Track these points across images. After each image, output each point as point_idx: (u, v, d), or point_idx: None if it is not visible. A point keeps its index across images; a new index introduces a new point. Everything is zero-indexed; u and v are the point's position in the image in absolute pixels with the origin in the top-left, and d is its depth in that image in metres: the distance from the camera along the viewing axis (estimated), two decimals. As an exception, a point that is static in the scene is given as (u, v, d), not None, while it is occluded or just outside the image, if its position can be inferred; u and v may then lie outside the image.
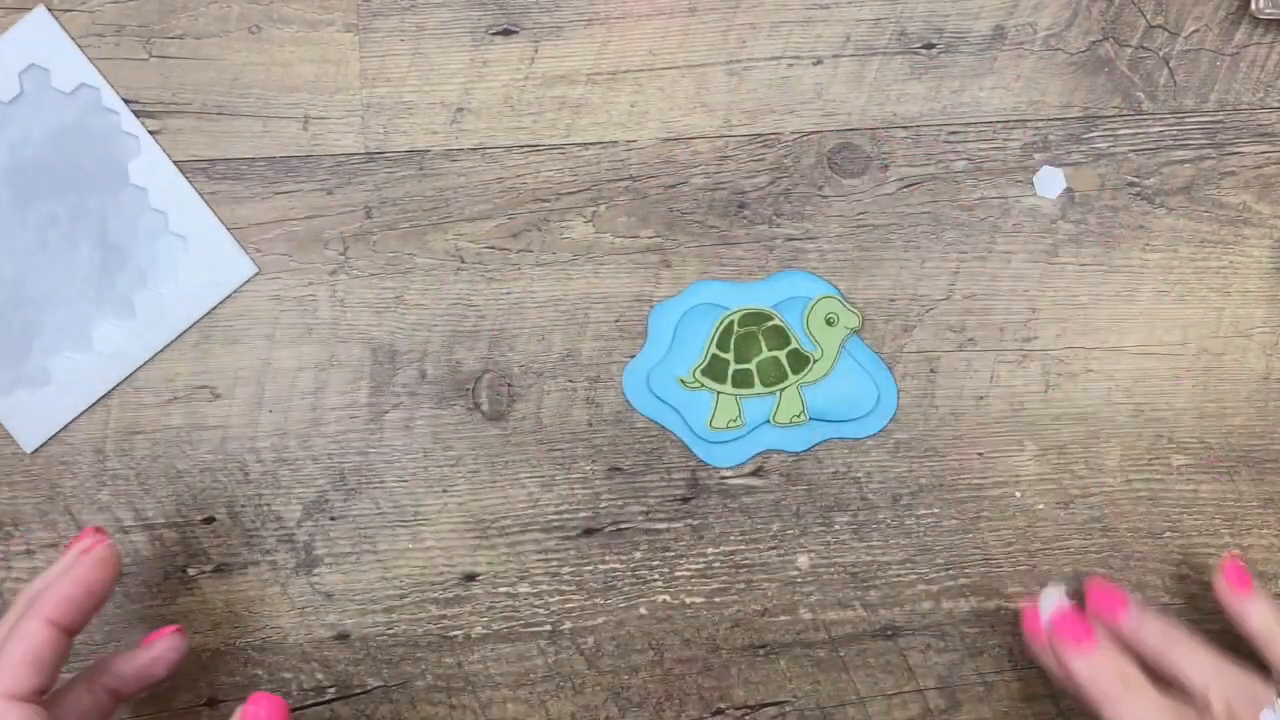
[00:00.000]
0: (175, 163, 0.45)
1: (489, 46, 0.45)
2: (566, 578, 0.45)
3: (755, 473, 0.45)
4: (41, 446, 0.45)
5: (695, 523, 0.45)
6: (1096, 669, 0.39)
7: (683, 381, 0.45)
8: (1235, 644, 0.40)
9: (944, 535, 0.45)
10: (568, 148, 0.45)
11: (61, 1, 0.45)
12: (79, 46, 0.45)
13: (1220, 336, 0.45)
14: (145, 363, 0.45)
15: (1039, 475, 0.45)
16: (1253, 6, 0.45)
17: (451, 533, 0.45)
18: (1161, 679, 0.39)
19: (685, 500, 0.45)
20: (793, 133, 0.45)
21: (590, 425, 0.45)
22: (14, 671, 0.36)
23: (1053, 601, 0.41)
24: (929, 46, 0.45)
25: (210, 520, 0.45)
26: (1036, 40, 0.45)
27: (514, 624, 0.45)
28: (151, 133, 0.45)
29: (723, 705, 0.45)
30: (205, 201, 0.45)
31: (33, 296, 0.45)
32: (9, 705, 0.35)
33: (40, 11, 0.45)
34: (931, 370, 0.45)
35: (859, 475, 0.45)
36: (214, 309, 0.45)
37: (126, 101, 0.45)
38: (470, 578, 0.45)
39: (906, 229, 0.45)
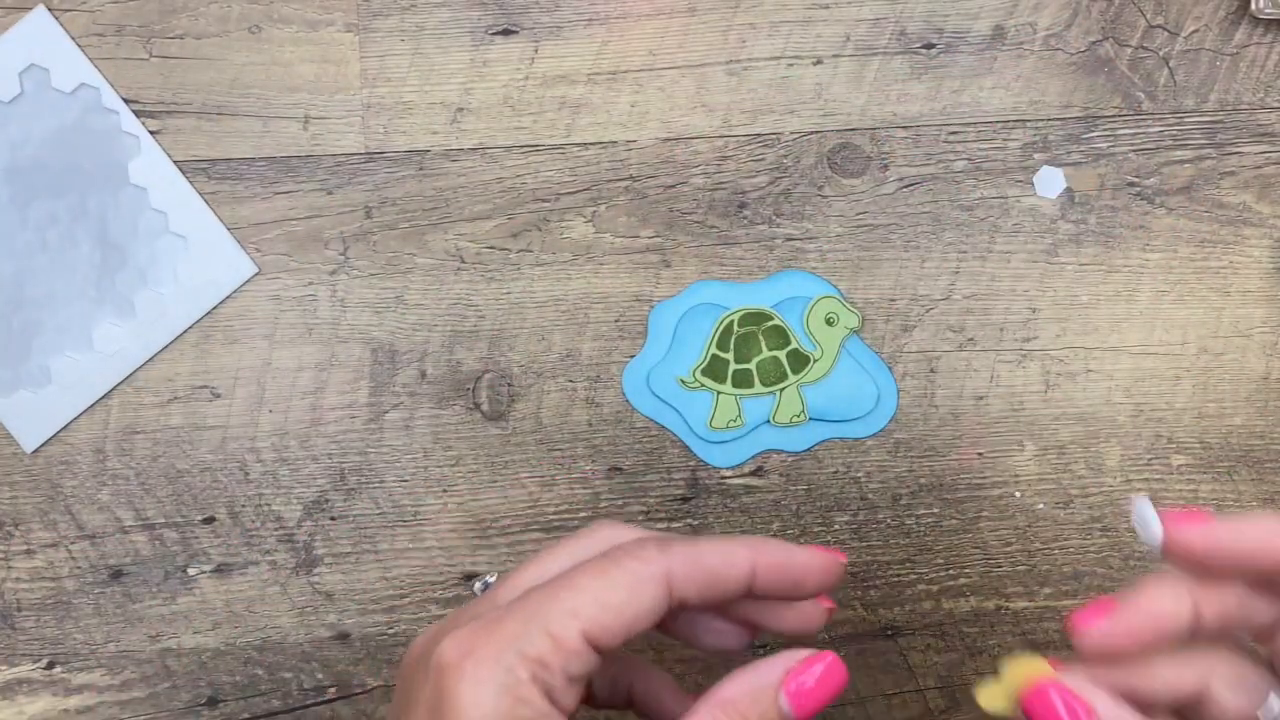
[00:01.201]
0: (175, 162, 0.45)
1: (489, 46, 0.45)
2: (566, 577, 0.45)
3: (755, 472, 0.45)
4: (42, 446, 0.45)
5: (695, 523, 0.45)
6: None
7: (683, 381, 0.45)
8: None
9: (944, 535, 0.45)
10: (568, 148, 0.45)
11: (62, 1, 0.45)
12: (79, 46, 0.45)
13: (1220, 336, 0.45)
14: (145, 362, 0.45)
15: (1039, 475, 0.45)
16: (1252, 6, 0.45)
17: (452, 532, 0.45)
18: None
19: (685, 500, 0.45)
20: (793, 133, 0.45)
21: (590, 425, 0.45)
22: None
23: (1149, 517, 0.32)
24: (929, 46, 0.45)
25: (210, 520, 0.45)
26: (1036, 40, 0.45)
27: (514, 624, 0.45)
28: (152, 133, 0.45)
29: (723, 705, 0.45)
30: (205, 201, 0.45)
31: (33, 296, 0.45)
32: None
33: (40, 11, 0.45)
34: (931, 370, 0.45)
35: (859, 475, 0.45)
36: (214, 309, 0.45)
37: (127, 101, 0.45)
38: (471, 577, 0.45)
39: (906, 229, 0.45)
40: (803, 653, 0.33)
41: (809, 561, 0.34)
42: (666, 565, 0.31)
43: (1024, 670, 0.31)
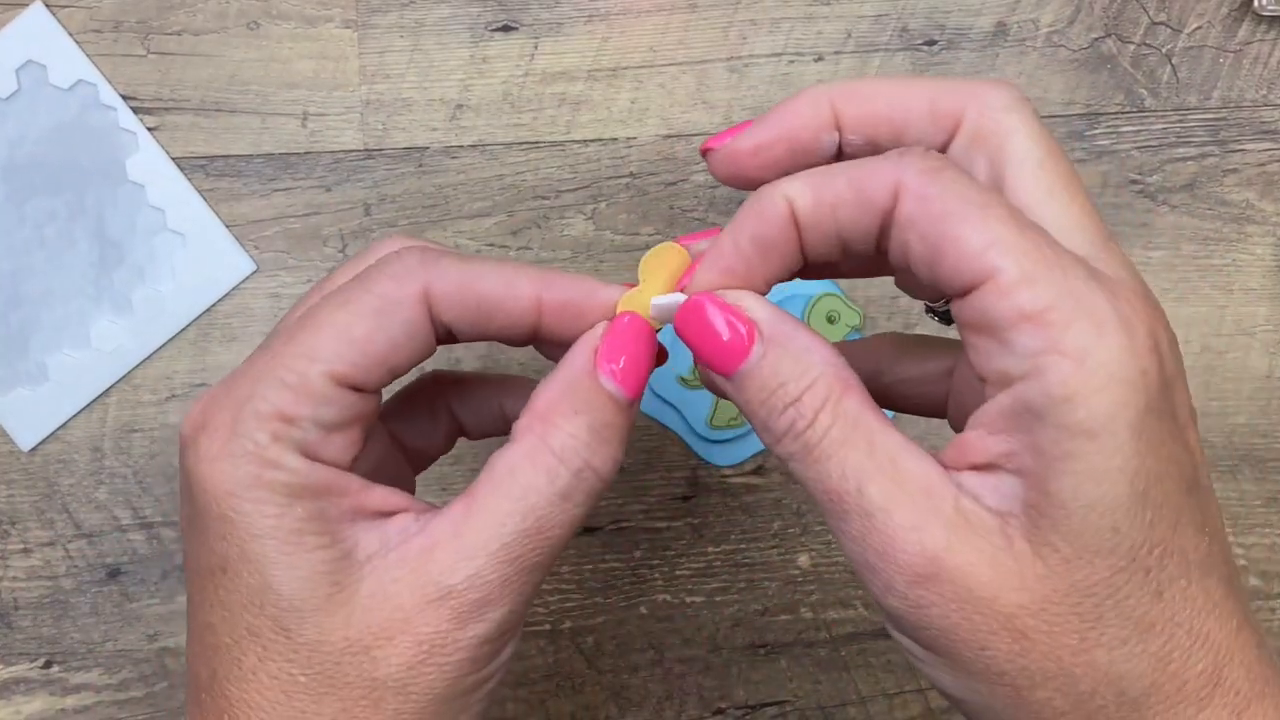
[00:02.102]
0: (173, 159, 0.45)
1: (488, 43, 0.45)
2: (566, 577, 0.45)
3: (756, 471, 0.45)
4: (39, 445, 0.45)
5: (696, 521, 0.45)
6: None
7: (683, 380, 0.45)
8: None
9: (945, 534, 0.45)
10: (568, 145, 0.45)
11: (59, -3, 0.45)
12: (77, 43, 0.45)
13: (1223, 335, 0.45)
14: (143, 360, 0.45)
15: (1041, 474, 0.45)
16: (1255, 3, 0.44)
17: (451, 531, 0.45)
18: None
19: (686, 499, 0.45)
20: (794, 130, 0.45)
21: (590, 423, 0.45)
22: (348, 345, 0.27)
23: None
24: (931, 43, 0.45)
25: (208, 519, 0.45)
26: (1039, 37, 0.45)
27: (513, 623, 0.45)
28: (149, 129, 0.45)
29: (723, 705, 0.45)
30: (203, 198, 0.45)
31: (30, 293, 0.45)
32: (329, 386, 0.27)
33: (38, 7, 0.45)
34: (933, 368, 0.45)
35: (860, 474, 0.45)
36: (212, 306, 0.45)
37: (124, 98, 0.45)
38: (470, 577, 0.45)
39: (908, 226, 0.45)
40: (599, 325, 0.29)
41: (609, 299, 0.29)
42: (423, 282, 0.27)
43: (662, 267, 0.28)
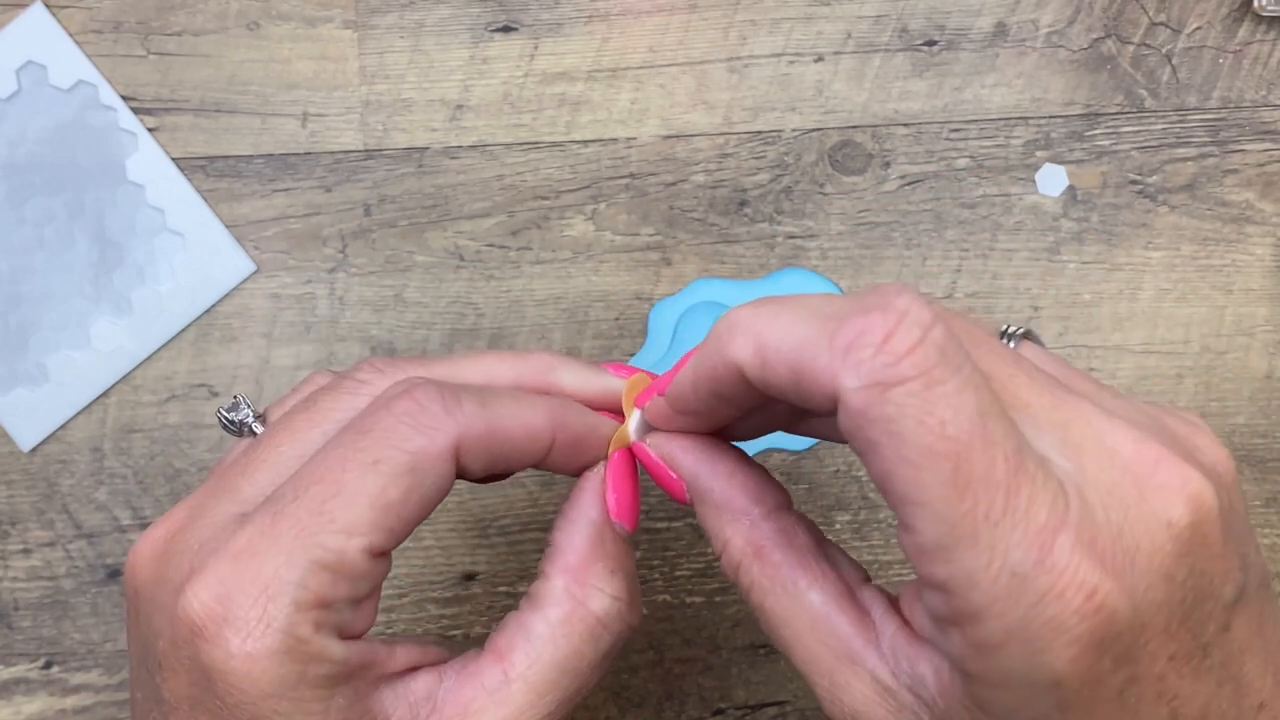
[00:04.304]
0: (173, 160, 0.45)
1: (488, 43, 0.45)
2: (566, 577, 0.45)
3: (756, 472, 0.45)
4: (39, 445, 0.45)
5: (695, 522, 0.45)
6: None
7: (683, 380, 0.45)
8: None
9: (945, 534, 0.45)
10: (567, 145, 0.45)
11: (59, -2, 0.45)
12: (76, 43, 0.45)
13: (1223, 335, 0.45)
14: (143, 361, 0.45)
15: (1041, 474, 0.45)
16: (1255, 4, 0.44)
17: (450, 532, 0.45)
18: None
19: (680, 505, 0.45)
20: (794, 130, 0.45)
21: (590, 424, 0.45)
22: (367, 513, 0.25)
23: None
24: (931, 44, 0.45)
25: (208, 519, 0.45)
26: (1038, 37, 0.45)
27: (513, 623, 0.45)
28: (149, 130, 0.45)
29: (723, 705, 0.45)
30: (203, 199, 0.45)
31: (29, 293, 0.45)
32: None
33: (38, 8, 0.45)
34: (933, 369, 0.45)
35: (860, 474, 0.45)
36: (212, 307, 0.45)
37: (124, 98, 0.45)
38: (470, 577, 0.45)
39: (908, 227, 0.45)
40: (596, 471, 0.29)
41: (605, 437, 0.29)
42: (454, 435, 0.25)
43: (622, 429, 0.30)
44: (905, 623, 0.25)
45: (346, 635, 0.25)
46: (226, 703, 0.24)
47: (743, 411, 0.27)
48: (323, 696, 0.24)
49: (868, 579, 0.28)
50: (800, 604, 0.26)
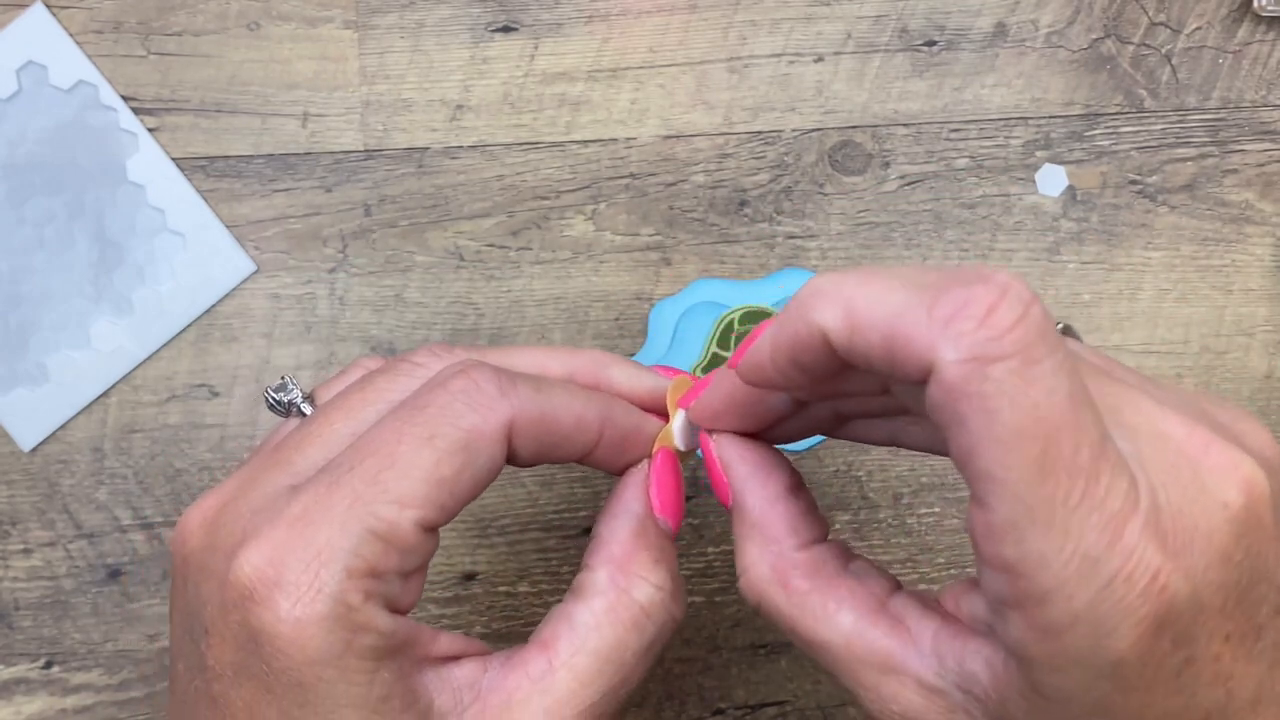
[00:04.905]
0: (173, 160, 0.45)
1: (489, 44, 0.45)
2: (567, 577, 0.45)
3: (756, 471, 0.45)
4: (39, 445, 0.45)
5: (696, 521, 0.45)
6: None
7: (683, 380, 0.45)
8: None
9: (945, 534, 0.45)
10: (568, 145, 0.45)
11: (59, -2, 0.45)
12: (77, 43, 0.45)
13: (1223, 335, 0.45)
14: (143, 361, 0.45)
15: (1041, 474, 0.45)
16: (1255, 4, 0.44)
17: (450, 531, 0.45)
18: None
19: (686, 499, 0.45)
20: (794, 130, 0.45)
21: (590, 424, 0.45)
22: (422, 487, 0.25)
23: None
24: (930, 44, 0.45)
25: (209, 519, 0.45)
26: (1038, 37, 0.45)
27: (514, 623, 0.45)
28: (149, 130, 0.45)
29: (723, 705, 0.45)
30: (203, 199, 0.45)
31: (29, 293, 0.45)
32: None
33: (38, 8, 0.45)
34: (933, 369, 0.45)
35: (860, 474, 0.45)
36: (212, 307, 0.45)
37: (125, 99, 0.45)
38: (469, 577, 0.45)
39: (908, 227, 0.45)
40: (641, 468, 0.29)
41: (652, 435, 0.29)
42: (508, 416, 0.26)
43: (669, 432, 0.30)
44: (946, 621, 0.25)
45: (394, 609, 0.25)
46: (272, 667, 0.24)
47: (813, 385, 0.26)
48: (368, 669, 0.24)
49: (898, 586, 0.28)
50: (831, 627, 0.26)
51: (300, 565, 0.24)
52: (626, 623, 0.27)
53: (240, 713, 0.24)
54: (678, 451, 0.31)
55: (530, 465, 0.28)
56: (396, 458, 0.25)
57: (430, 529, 0.25)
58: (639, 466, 0.29)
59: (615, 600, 0.27)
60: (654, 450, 0.30)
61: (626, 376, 0.30)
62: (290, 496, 0.25)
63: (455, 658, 0.26)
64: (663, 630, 0.27)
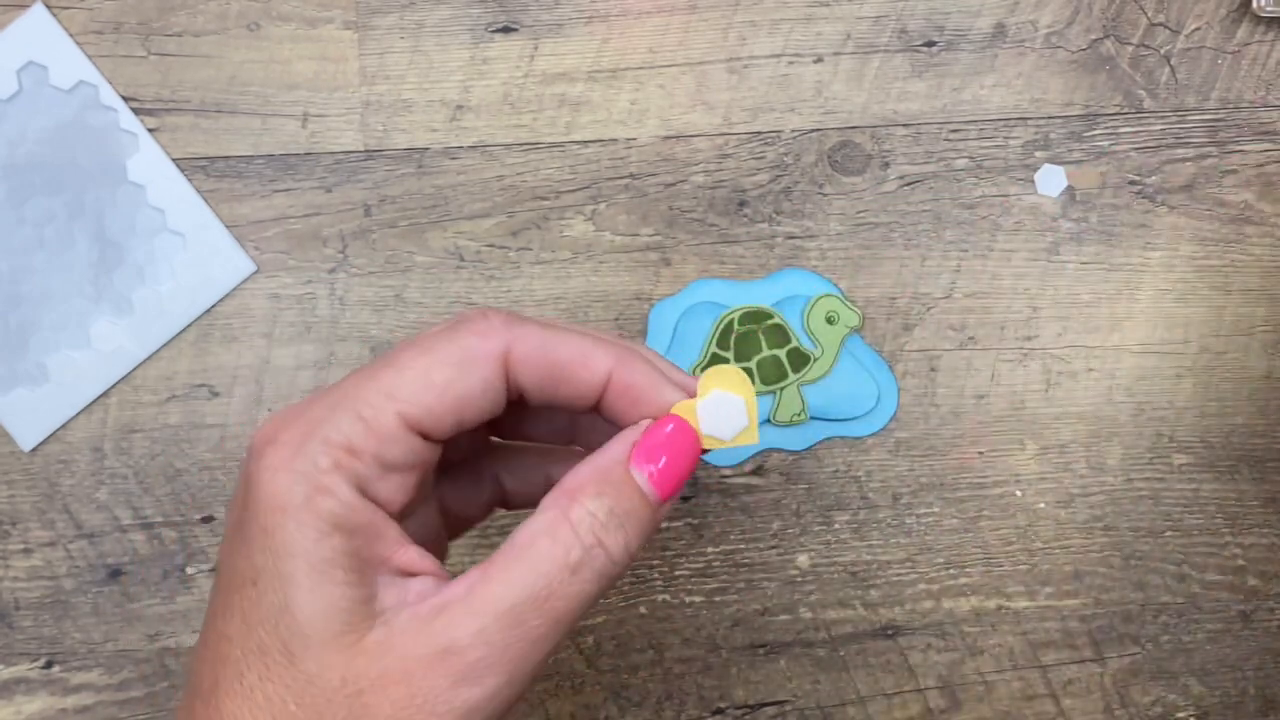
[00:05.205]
0: (174, 160, 0.45)
1: (489, 44, 0.45)
2: (566, 577, 0.45)
3: (755, 471, 0.45)
4: (40, 445, 0.45)
5: (695, 521, 0.45)
6: None
7: (683, 380, 0.45)
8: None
9: (944, 534, 0.45)
10: (567, 145, 0.45)
11: (60, -2, 0.45)
12: (77, 44, 0.45)
13: (1222, 335, 0.45)
14: (143, 361, 0.45)
15: (1040, 474, 0.45)
16: (1254, 4, 0.44)
17: (451, 532, 0.45)
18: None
19: (685, 499, 0.45)
20: (793, 130, 0.45)
21: (590, 424, 0.45)
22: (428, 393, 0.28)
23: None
24: (930, 44, 0.45)
25: (209, 519, 0.45)
26: (1038, 38, 0.45)
27: (513, 623, 0.45)
28: (150, 130, 0.45)
29: (723, 704, 0.45)
30: (204, 199, 0.45)
31: (30, 293, 0.45)
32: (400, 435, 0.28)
33: (38, 9, 0.45)
34: (932, 369, 0.45)
35: (859, 474, 0.45)
36: (212, 307, 0.45)
37: (125, 99, 0.45)
38: (469, 577, 0.45)
39: (907, 227, 0.45)
40: (643, 422, 0.29)
41: (669, 400, 0.29)
42: (505, 341, 0.28)
43: (719, 382, 0.30)
44: None
45: (364, 491, 0.27)
46: (250, 511, 0.27)
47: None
48: (321, 529, 0.26)
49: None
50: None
51: (291, 429, 0.27)
52: (556, 539, 0.28)
53: (226, 566, 0.27)
54: (699, 434, 0.30)
55: (538, 404, 0.29)
56: (396, 362, 0.28)
57: (416, 429, 0.27)
58: (638, 424, 0.30)
59: (550, 519, 0.28)
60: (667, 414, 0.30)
61: (660, 362, 0.31)
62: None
63: (415, 573, 0.28)
64: (589, 554, 0.28)
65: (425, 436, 0.28)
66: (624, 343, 0.30)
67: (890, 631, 0.45)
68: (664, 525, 0.45)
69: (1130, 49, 0.45)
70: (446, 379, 0.27)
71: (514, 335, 0.28)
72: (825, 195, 0.45)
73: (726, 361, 0.45)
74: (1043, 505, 0.45)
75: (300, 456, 0.27)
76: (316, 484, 0.26)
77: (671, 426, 0.29)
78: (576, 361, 0.29)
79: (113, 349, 0.45)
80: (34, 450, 0.45)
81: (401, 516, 0.28)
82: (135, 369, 0.45)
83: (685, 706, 0.45)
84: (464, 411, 0.28)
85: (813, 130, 0.45)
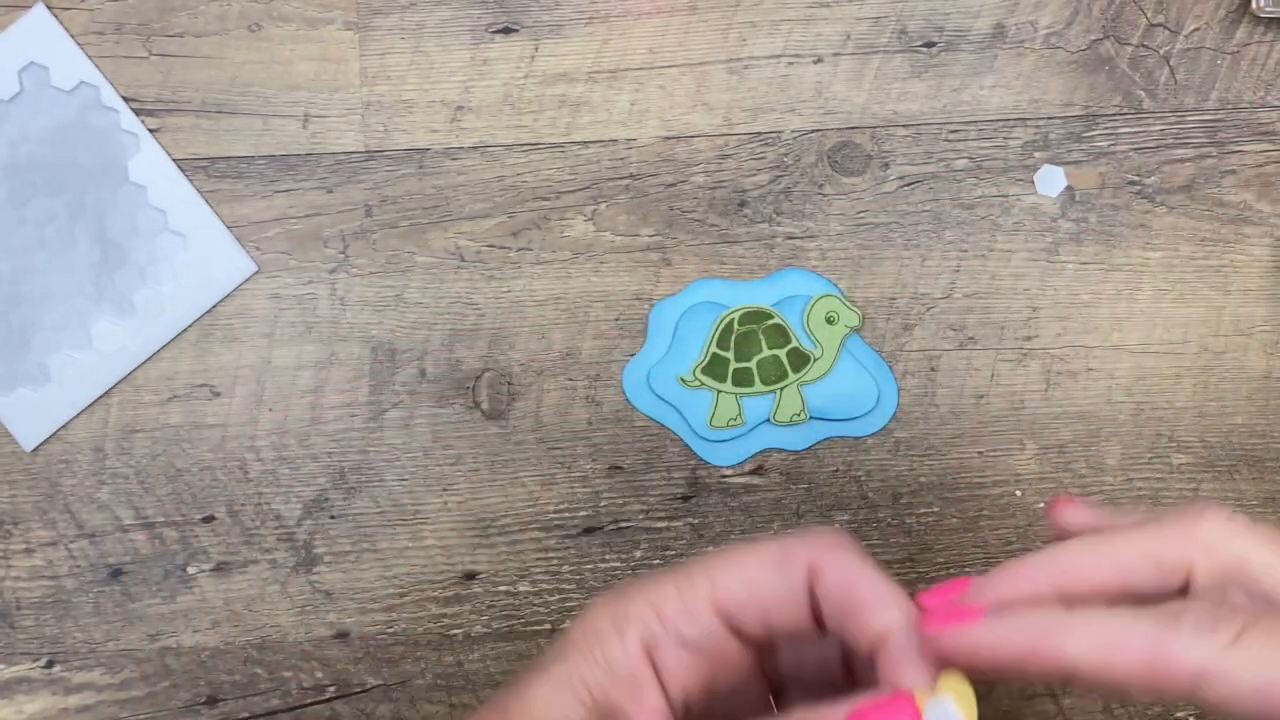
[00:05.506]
0: (175, 161, 0.45)
1: (489, 45, 0.45)
2: (567, 576, 0.45)
3: (755, 471, 0.45)
4: (41, 445, 0.45)
5: (695, 521, 0.45)
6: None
7: (683, 380, 0.45)
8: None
9: (944, 534, 0.45)
10: (568, 146, 0.45)
11: (61, 0, 0.45)
12: (78, 44, 0.45)
13: (1221, 335, 0.45)
14: (145, 361, 0.45)
15: (1039, 474, 0.45)
16: (1253, 5, 0.44)
17: (451, 531, 0.45)
18: None
19: (685, 499, 0.45)
20: (793, 131, 0.45)
21: (590, 424, 0.45)
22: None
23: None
24: (929, 45, 0.45)
25: (210, 519, 0.45)
26: (1037, 38, 0.45)
27: (514, 623, 0.45)
28: (151, 131, 0.45)
29: (723, 704, 0.45)
30: (205, 199, 0.45)
31: (31, 294, 0.45)
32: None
33: (40, 9, 0.45)
34: (932, 369, 0.45)
35: (859, 474, 0.45)
36: (213, 307, 0.45)
37: (126, 99, 0.45)
38: (470, 576, 0.45)
39: (907, 227, 0.45)
40: (871, 693, 0.27)
41: (911, 681, 0.27)
42: (813, 557, 0.28)
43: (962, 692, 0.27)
44: None
45: (648, 650, 0.29)
46: (576, 625, 0.30)
47: None
48: (589, 654, 0.28)
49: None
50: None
51: (628, 586, 0.29)
52: None
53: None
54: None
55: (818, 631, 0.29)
56: (732, 556, 0.29)
57: (723, 616, 0.29)
58: (869, 692, 0.27)
59: None
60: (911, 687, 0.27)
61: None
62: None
63: None
64: None
65: (732, 626, 0.29)
66: (902, 595, 0.29)
67: (890, 631, 0.45)
68: (664, 525, 0.45)
69: (1130, 49, 0.45)
70: (762, 576, 0.28)
71: (816, 554, 0.28)
72: (825, 195, 0.45)
73: (726, 361, 0.45)
74: (1042, 505, 0.45)
75: (620, 599, 0.29)
76: (616, 622, 0.28)
77: (896, 702, 0.27)
78: (872, 600, 0.28)
79: (114, 349, 0.45)
80: (35, 450, 0.45)
81: (682, 701, 0.29)
82: (136, 369, 0.45)
83: (685, 706, 0.45)
84: (772, 609, 0.28)
85: (813, 131, 0.45)
